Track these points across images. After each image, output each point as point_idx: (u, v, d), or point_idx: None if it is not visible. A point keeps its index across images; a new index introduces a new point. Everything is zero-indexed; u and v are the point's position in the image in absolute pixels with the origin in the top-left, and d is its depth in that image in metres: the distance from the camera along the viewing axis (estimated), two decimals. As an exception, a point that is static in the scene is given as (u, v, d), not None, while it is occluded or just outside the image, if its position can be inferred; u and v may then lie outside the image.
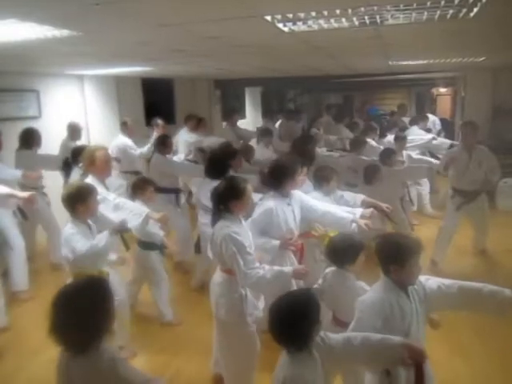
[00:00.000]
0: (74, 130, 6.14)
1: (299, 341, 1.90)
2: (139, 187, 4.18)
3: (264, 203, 3.40)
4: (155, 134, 6.79)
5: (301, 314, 1.90)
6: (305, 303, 1.95)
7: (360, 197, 4.07)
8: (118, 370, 1.78)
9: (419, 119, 8.16)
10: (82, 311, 1.75)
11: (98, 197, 3.56)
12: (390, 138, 7.11)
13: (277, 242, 3.26)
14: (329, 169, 4.20)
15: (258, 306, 3.09)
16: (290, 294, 2.02)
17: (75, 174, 4.67)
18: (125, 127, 6.52)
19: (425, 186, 7.26)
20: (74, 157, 4.96)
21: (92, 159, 3.77)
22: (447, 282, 2.32)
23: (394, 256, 2.20)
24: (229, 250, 2.73)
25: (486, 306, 2.26)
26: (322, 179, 4.06)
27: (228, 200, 2.83)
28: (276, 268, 2.79)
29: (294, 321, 1.89)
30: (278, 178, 3.42)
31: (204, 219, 4.33)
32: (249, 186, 2.93)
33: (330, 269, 2.90)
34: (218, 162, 4.38)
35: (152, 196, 4.24)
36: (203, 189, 4.31)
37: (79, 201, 3.12)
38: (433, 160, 6.49)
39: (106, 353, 1.81)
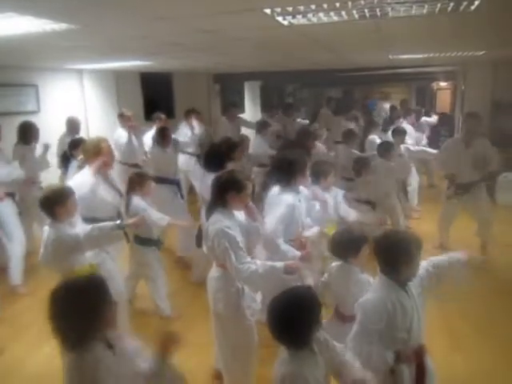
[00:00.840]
0: (72, 125, 6.12)
1: (299, 339, 1.89)
2: (137, 182, 4.12)
3: (281, 198, 3.34)
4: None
5: (301, 313, 1.88)
6: (305, 301, 1.93)
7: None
8: (97, 374, 1.74)
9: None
10: (73, 309, 1.75)
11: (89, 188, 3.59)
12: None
13: (298, 253, 3.14)
14: (327, 164, 4.19)
15: (256, 299, 3.09)
16: (290, 292, 1.98)
17: (73, 168, 4.66)
18: (122, 119, 6.47)
19: (413, 181, 7.20)
20: (71, 149, 4.95)
21: (97, 150, 3.74)
22: (425, 263, 2.38)
23: (403, 255, 2.17)
24: (221, 245, 2.70)
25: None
26: (320, 174, 4.04)
27: (227, 191, 2.79)
28: (268, 263, 2.77)
29: (294, 320, 1.87)
30: (289, 173, 3.37)
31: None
32: (250, 184, 2.91)
33: (335, 263, 2.90)
34: (214, 156, 4.41)
35: (150, 190, 4.21)
36: (204, 183, 4.33)
37: (58, 204, 3.03)
38: (432, 150, 6.47)
39: (93, 352, 1.77)
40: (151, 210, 4.05)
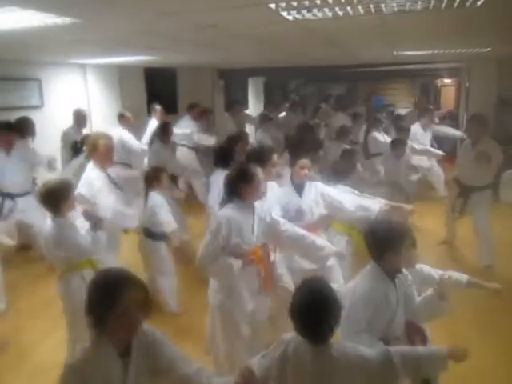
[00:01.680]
0: (79, 117, 6.17)
1: (320, 334, 1.86)
2: (155, 178, 4.07)
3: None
4: (154, 120, 6.82)
5: (325, 309, 1.84)
6: (329, 298, 1.88)
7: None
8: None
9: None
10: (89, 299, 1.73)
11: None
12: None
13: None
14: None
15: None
16: (315, 287, 1.93)
17: (79, 159, 4.69)
18: (122, 119, 6.46)
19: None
20: (82, 144, 4.99)
21: (94, 146, 3.78)
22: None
23: (389, 242, 2.20)
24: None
25: None
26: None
27: (238, 185, 2.83)
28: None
29: (317, 315, 1.83)
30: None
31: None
32: (258, 172, 2.91)
33: None
34: (223, 152, 4.47)
35: (166, 183, 4.18)
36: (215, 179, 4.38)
37: (62, 199, 3.02)
38: (437, 151, 6.47)
39: (97, 356, 1.74)
40: (164, 208, 4.01)
